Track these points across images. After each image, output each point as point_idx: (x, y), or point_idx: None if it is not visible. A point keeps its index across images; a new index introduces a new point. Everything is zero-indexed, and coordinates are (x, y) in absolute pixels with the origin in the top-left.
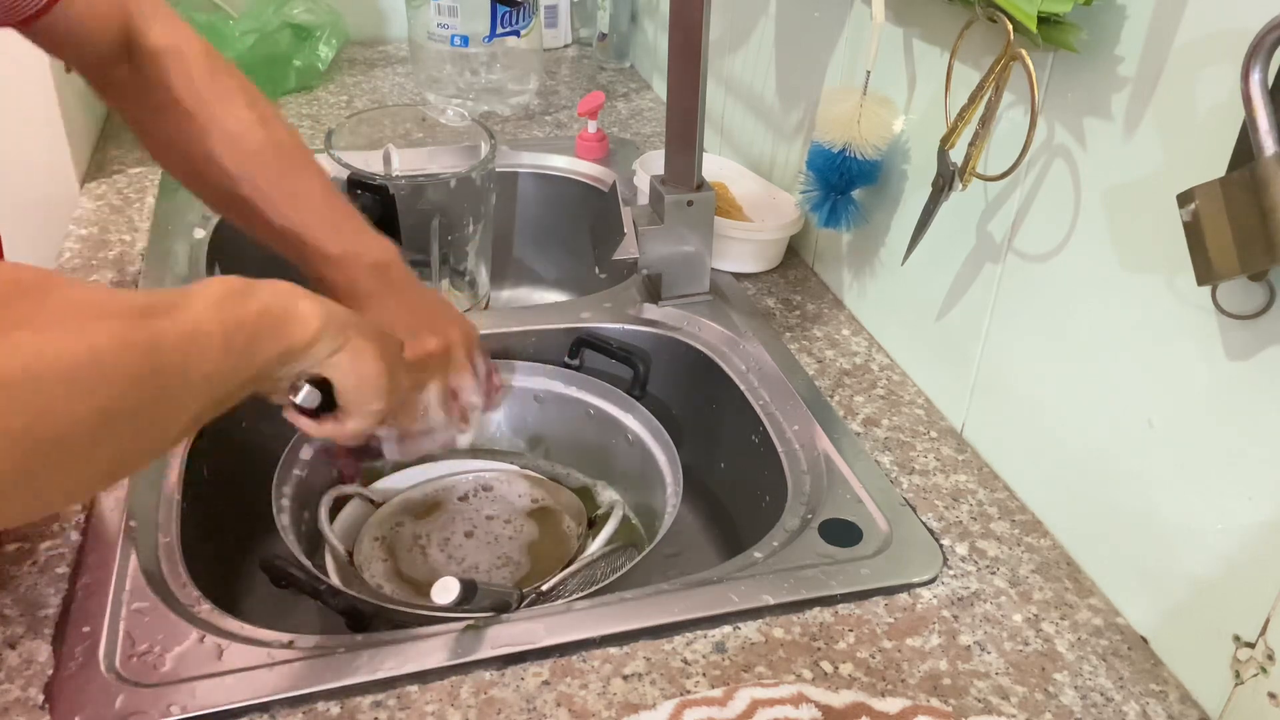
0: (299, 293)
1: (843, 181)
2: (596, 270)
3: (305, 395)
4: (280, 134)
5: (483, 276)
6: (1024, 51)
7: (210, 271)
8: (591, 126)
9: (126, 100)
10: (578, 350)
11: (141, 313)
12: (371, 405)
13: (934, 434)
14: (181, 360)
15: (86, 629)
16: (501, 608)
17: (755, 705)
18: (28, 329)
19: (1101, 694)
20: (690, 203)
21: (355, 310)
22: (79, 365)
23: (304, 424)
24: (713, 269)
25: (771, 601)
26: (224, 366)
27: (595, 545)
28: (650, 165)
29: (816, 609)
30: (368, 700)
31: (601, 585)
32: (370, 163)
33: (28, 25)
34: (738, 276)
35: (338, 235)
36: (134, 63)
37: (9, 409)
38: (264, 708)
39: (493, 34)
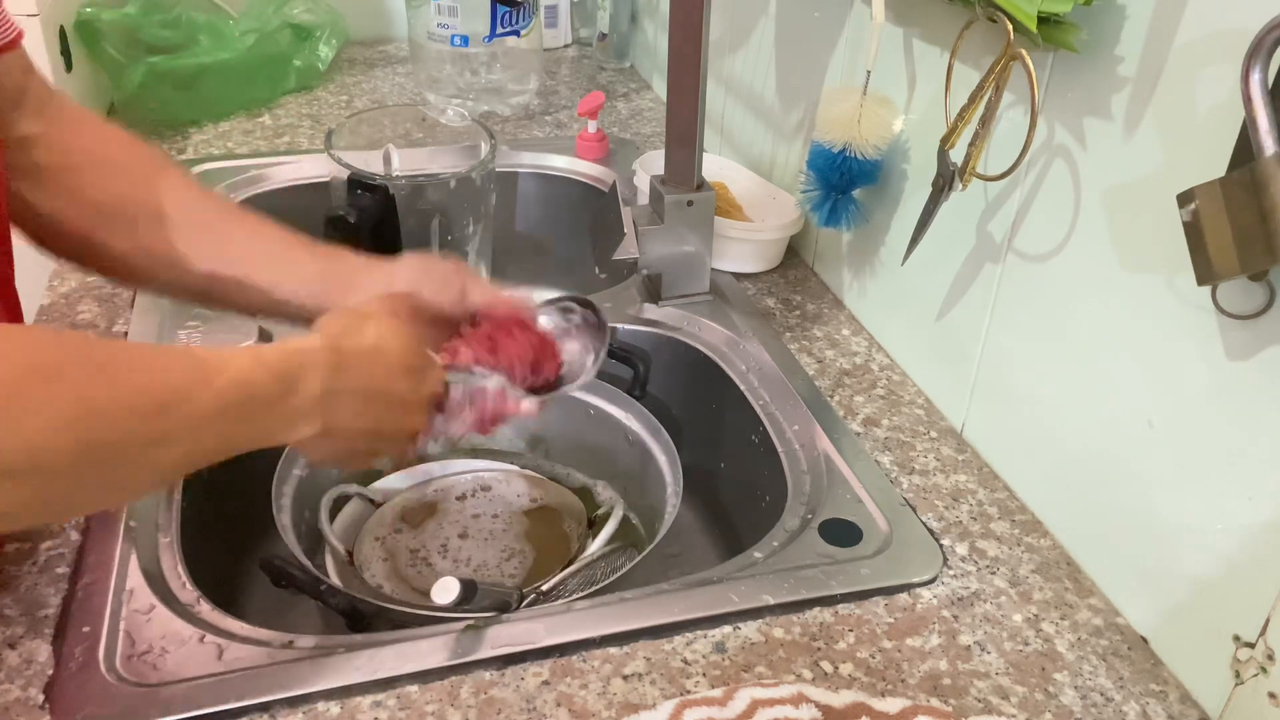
0: (313, 409)
1: (843, 181)
2: (596, 270)
3: None
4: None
5: (483, 276)
6: (1024, 51)
7: None
8: (591, 126)
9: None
10: None
11: (128, 413)
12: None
13: (934, 434)
14: (140, 461)
15: (86, 629)
16: (501, 608)
17: (755, 705)
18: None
19: (1101, 694)
20: (690, 203)
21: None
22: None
23: None
24: (713, 269)
25: (771, 601)
26: (180, 467)
27: (595, 545)
28: (650, 165)
29: (816, 609)
30: (368, 700)
31: (601, 585)
32: (370, 163)
33: None
34: (738, 276)
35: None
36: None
37: None
38: (264, 708)
39: (493, 34)
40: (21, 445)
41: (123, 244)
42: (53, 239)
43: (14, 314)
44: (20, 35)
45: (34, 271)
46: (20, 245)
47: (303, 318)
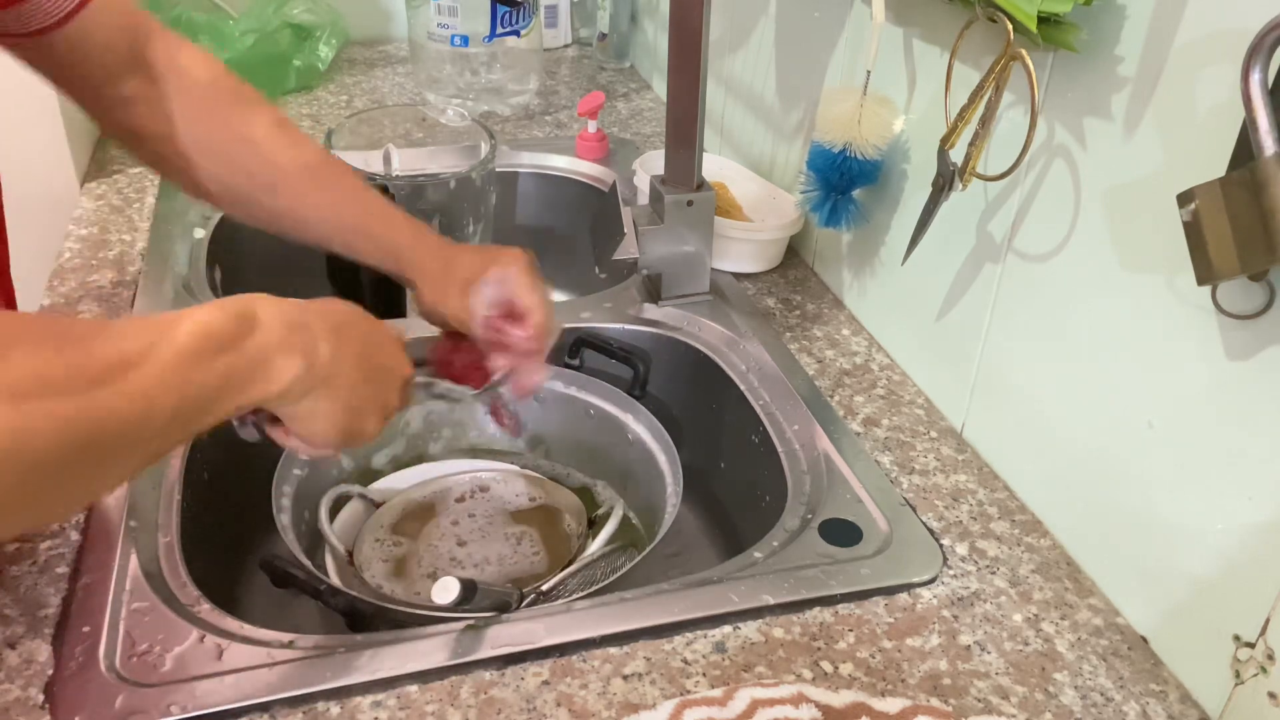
0: (282, 341)
1: (843, 181)
2: (596, 270)
3: (245, 432)
4: (309, 153)
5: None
6: (1024, 51)
7: (210, 272)
8: (591, 126)
9: (136, 116)
10: (578, 350)
11: (90, 382)
12: (320, 449)
13: (934, 434)
14: (120, 434)
15: (86, 629)
16: (501, 608)
17: (755, 705)
18: None
19: (1101, 694)
20: (690, 203)
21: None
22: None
23: (246, 434)
24: (713, 269)
25: (771, 601)
26: (170, 431)
27: (595, 545)
28: (650, 165)
29: (816, 609)
30: (368, 700)
31: (601, 585)
32: (370, 163)
33: (44, 35)
34: (738, 276)
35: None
36: (147, 75)
37: None
38: (264, 708)
39: (493, 34)
40: None
41: (248, 209)
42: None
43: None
44: (82, 2)
45: (34, 271)
46: (22, 244)
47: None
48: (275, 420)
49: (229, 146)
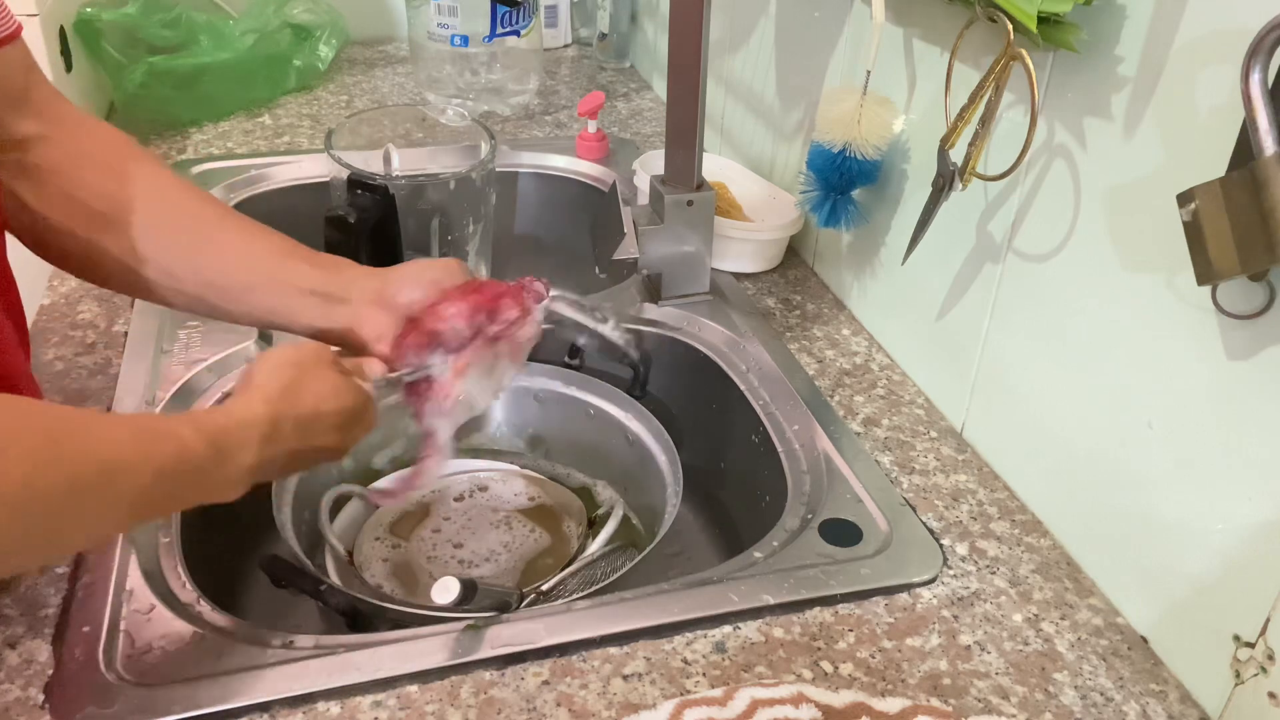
0: (252, 469)
1: (843, 181)
2: (596, 270)
3: None
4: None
5: (483, 276)
6: (1024, 51)
7: None
8: (591, 126)
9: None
10: (578, 350)
11: (72, 489)
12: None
13: (934, 434)
14: (79, 527)
15: (86, 629)
16: (501, 608)
17: (755, 705)
18: None
19: (1101, 694)
20: (690, 203)
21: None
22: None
23: None
24: (713, 269)
25: (771, 601)
26: (121, 523)
27: (595, 545)
28: (650, 165)
29: (816, 609)
30: (368, 700)
31: (601, 585)
32: (370, 163)
33: None
34: (738, 276)
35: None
36: (39, 116)
37: None
38: (264, 708)
39: (493, 34)
40: None
41: (118, 250)
42: (50, 243)
43: (13, 311)
44: (19, 29)
45: (34, 272)
46: (21, 246)
47: (307, 330)
48: None
49: (129, 185)
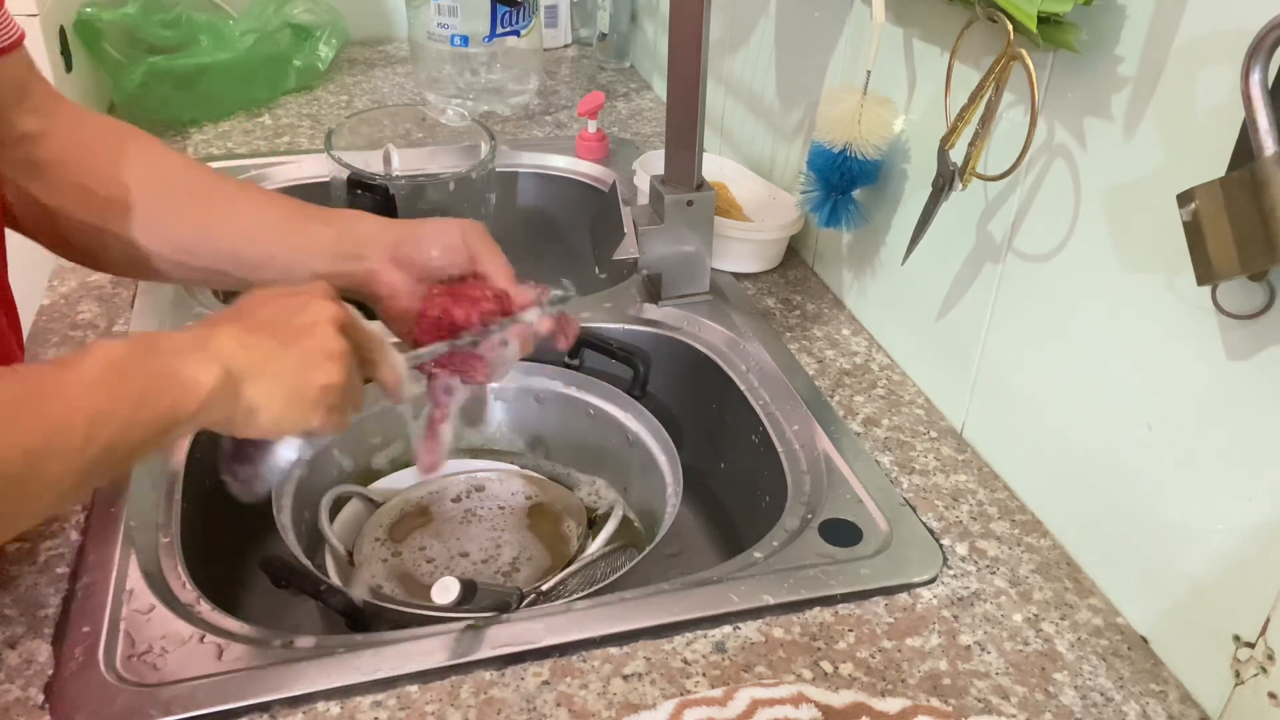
0: (187, 353)
1: (843, 181)
2: (596, 270)
3: (235, 487)
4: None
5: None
6: (1024, 51)
7: None
8: (591, 126)
9: (34, 150)
10: (578, 350)
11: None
12: (290, 434)
13: (934, 434)
14: (31, 465)
15: (86, 629)
16: (501, 608)
17: (755, 705)
18: None
19: (1101, 694)
20: (690, 203)
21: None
22: None
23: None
24: (713, 269)
25: (771, 601)
26: (86, 461)
27: (595, 545)
28: (650, 165)
29: (816, 609)
30: (368, 700)
31: (601, 585)
32: (370, 163)
33: None
34: (738, 276)
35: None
36: (38, 113)
37: None
38: (264, 708)
39: (493, 34)
40: None
41: (129, 232)
42: (60, 237)
43: (9, 311)
44: (22, 36)
45: (34, 271)
46: (21, 245)
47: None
48: (241, 446)
49: (135, 163)
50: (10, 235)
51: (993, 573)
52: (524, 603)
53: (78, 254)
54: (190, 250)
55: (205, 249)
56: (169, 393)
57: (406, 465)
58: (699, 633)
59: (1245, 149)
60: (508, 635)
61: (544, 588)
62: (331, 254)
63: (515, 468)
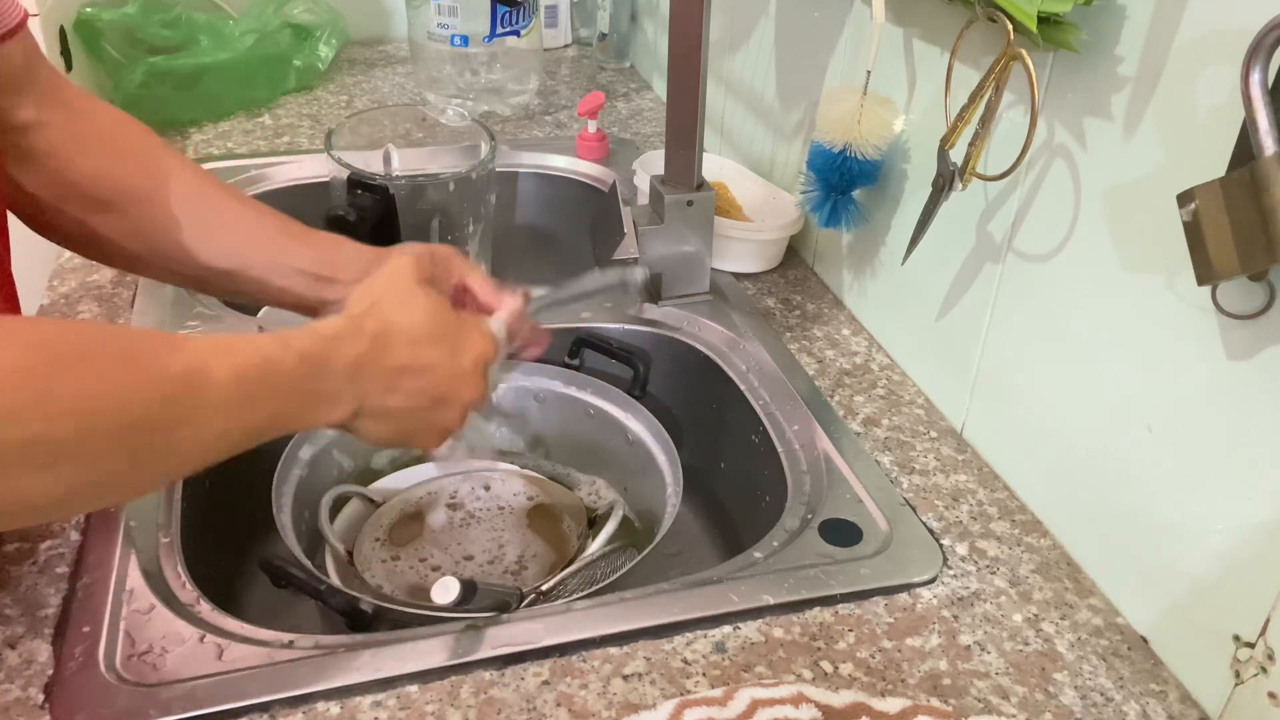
0: (337, 391)
1: (843, 181)
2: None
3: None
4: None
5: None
6: (1024, 51)
7: None
8: (591, 126)
9: (34, 138)
10: (578, 350)
11: (150, 400)
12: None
13: (934, 434)
14: (169, 446)
15: (86, 629)
16: (501, 608)
17: (755, 705)
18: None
19: (1101, 694)
20: (690, 203)
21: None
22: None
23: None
24: (713, 269)
25: (771, 601)
26: (217, 447)
27: (595, 545)
28: (650, 165)
29: (816, 609)
30: (368, 700)
31: (601, 585)
32: (370, 163)
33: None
34: (738, 276)
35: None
36: (41, 100)
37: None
38: (264, 708)
39: (493, 34)
40: (49, 432)
41: (119, 230)
42: (51, 224)
43: (11, 304)
44: (24, 19)
45: (34, 271)
46: (21, 244)
47: (301, 307)
48: None
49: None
50: (12, 235)
51: (993, 573)
52: (524, 603)
53: (66, 242)
54: (170, 256)
55: (188, 260)
56: (304, 417)
57: (406, 465)
58: (699, 633)
59: (1245, 149)
60: (508, 635)
61: (544, 588)
62: (307, 274)
63: (515, 468)
